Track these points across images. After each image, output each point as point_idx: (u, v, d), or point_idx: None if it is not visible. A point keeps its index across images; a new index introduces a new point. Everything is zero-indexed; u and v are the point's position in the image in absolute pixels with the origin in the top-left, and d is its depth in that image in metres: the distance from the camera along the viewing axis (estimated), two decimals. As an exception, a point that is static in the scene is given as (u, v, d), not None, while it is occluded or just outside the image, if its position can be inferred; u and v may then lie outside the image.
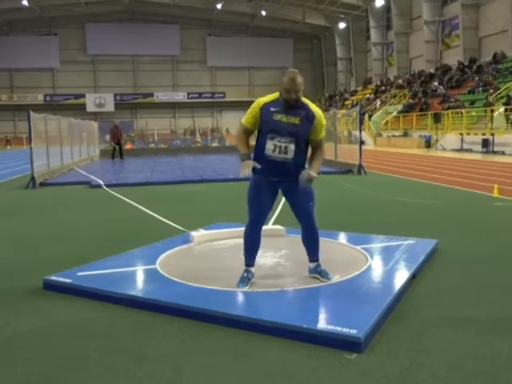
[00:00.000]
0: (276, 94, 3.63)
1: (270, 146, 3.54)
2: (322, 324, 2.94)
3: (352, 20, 44.64)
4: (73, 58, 48.44)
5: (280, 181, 3.66)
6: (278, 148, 3.52)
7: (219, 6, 43.78)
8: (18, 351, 2.86)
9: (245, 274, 3.72)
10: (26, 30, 46.83)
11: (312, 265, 3.87)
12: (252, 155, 3.67)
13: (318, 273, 3.81)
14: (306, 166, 3.69)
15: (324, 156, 3.77)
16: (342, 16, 44.41)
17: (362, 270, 4.00)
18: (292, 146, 3.53)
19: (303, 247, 3.90)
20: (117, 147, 21.41)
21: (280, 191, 3.76)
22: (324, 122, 3.68)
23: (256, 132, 3.68)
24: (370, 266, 4.11)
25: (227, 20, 48.07)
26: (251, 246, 3.76)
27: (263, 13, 44.66)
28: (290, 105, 3.51)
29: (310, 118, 3.57)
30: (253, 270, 3.77)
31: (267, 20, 46.53)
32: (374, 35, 42.94)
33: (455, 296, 3.62)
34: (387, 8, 40.11)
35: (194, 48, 50.81)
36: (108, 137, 31.56)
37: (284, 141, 3.52)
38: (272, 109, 3.53)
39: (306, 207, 3.72)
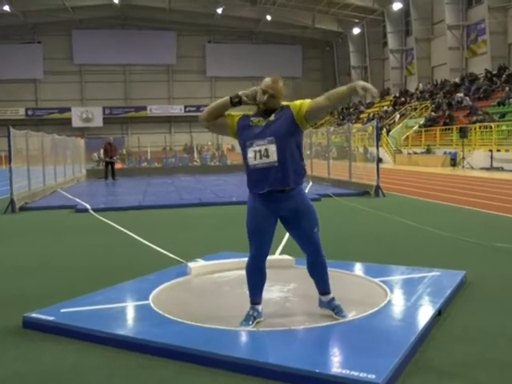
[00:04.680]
0: (253, 110, 3.72)
1: (250, 154, 3.59)
2: (337, 368, 2.92)
3: (367, 25, 45.20)
4: (58, 68, 49.09)
5: (278, 199, 3.61)
6: (258, 153, 3.56)
7: (220, 11, 44.43)
8: (-6, 399, 2.85)
9: (250, 312, 3.71)
10: (6, 37, 47.58)
11: (324, 298, 3.85)
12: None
13: (332, 308, 3.80)
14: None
15: (339, 88, 3.73)
16: (356, 20, 44.96)
17: (381, 306, 3.98)
18: (273, 147, 3.53)
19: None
20: (109, 166, 21.57)
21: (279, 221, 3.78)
22: (299, 101, 3.71)
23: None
24: (389, 302, 4.09)
25: (229, 26, 48.72)
26: (255, 281, 3.75)
27: (268, 17, 45.26)
28: (267, 110, 3.60)
29: (285, 110, 3.64)
30: (260, 308, 3.76)
31: (273, 25, 47.12)
32: (392, 41, 43.39)
33: (487, 335, 3.59)
34: (406, 12, 40.60)
35: (192, 56, 51.46)
36: (96, 155, 31.91)
37: (262, 143, 3.55)
38: (252, 118, 3.64)
39: (310, 236, 3.70)
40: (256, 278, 3.74)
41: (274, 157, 3.53)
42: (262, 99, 3.58)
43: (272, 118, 3.60)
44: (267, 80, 3.62)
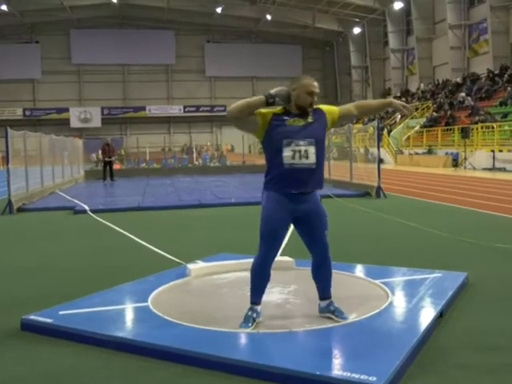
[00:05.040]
0: (279, 109, 3.68)
1: (287, 153, 3.55)
2: (337, 370, 2.92)
3: (368, 24, 45.24)
4: (56, 68, 49.13)
5: (299, 200, 3.62)
6: (297, 153, 3.55)
7: (219, 10, 44.46)
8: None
9: (249, 313, 3.71)
10: (4, 37, 47.63)
11: (323, 303, 3.86)
12: (267, 176, 3.68)
13: (332, 312, 3.80)
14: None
15: (371, 100, 3.96)
16: (357, 20, 45.01)
17: (382, 307, 3.98)
18: (312, 149, 3.57)
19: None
20: (107, 167, 21.60)
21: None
22: (328, 106, 3.82)
23: (263, 145, 3.70)
24: (391, 304, 4.09)
25: (228, 25, 48.77)
26: (260, 282, 3.74)
27: (268, 17, 45.31)
28: (304, 111, 3.61)
29: (319, 113, 3.69)
30: (259, 308, 3.76)
31: (273, 25, 47.17)
32: (393, 41, 43.44)
33: (489, 337, 3.60)
34: (407, 11, 40.65)
35: (191, 56, 51.50)
36: (94, 156, 31.95)
37: (302, 144, 3.56)
38: (285, 117, 3.62)
39: (321, 236, 3.73)
40: (261, 278, 3.73)
41: (313, 159, 3.57)
42: (307, 101, 3.58)
43: (310, 119, 3.62)
44: (310, 80, 3.62)
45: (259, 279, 3.73)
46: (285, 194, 3.61)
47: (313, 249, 3.78)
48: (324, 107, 3.76)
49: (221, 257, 5.84)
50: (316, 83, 3.63)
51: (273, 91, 3.59)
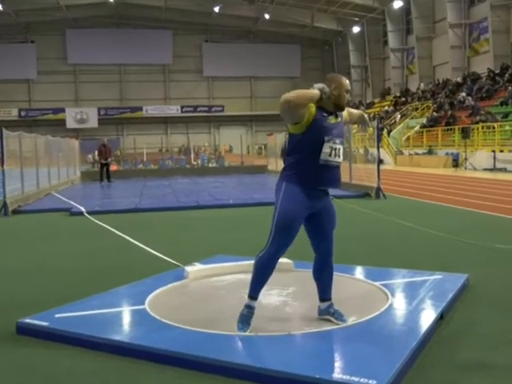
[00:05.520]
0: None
1: (327, 150, 3.60)
2: (337, 374, 2.92)
3: (367, 23, 45.29)
4: (51, 68, 49.09)
5: (319, 197, 3.68)
6: (333, 151, 3.63)
7: (217, 9, 44.49)
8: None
9: (245, 312, 3.68)
10: (-1, 37, 47.62)
11: (323, 305, 3.86)
12: (291, 169, 3.66)
13: (331, 314, 3.80)
14: None
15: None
16: (356, 19, 45.05)
17: (382, 310, 3.99)
18: (342, 148, 3.72)
19: (314, 284, 3.89)
20: (104, 168, 21.61)
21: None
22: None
23: (295, 138, 3.64)
24: (391, 306, 4.09)
25: (226, 24, 48.78)
26: (264, 278, 3.70)
27: (267, 16, 45.33)
28: (341, 109, 3.74)
29: (340, 113, 3.82)
30: (255, 303, 3.72)
31: (271, 24, 47.22)
32: (393, 40, 43.48)
33: (490, 339, 3.60)
34: (407, 10, 40.69)
35: (189, 56, 51.50)
36: (91, 156, 31.92)
37: (338, 142, 3.67)
38: (325, 114, 3.66)
39: (330, 234, 3.78)
40: (267, 274, 3.69)
41: (341, 158, 3.71)
42: (345, 100, 3.68)
43: (339, 118, 3.76)
44: (346, 79, 3.73)
45: (264, 276, 3.69)
46: (309, 189, 3.61)
47: (319, 247, 3.78)
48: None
49: (219, 259, 5.84)
50: (347, 80, 3.79)
51: (320, 86, 3.61)
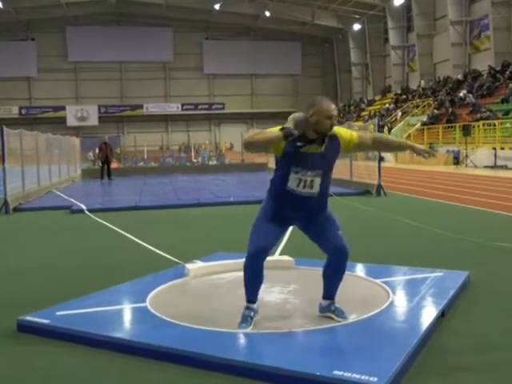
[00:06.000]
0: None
1: (293, 181, 3.56)
2: (338, 371, 2.91)
3: (368, 21, 45.22)
4: (52, 66, 49.05)
5: (300, 217, 3.70)
6: (302, 182, 3.55)
7: (217, 7, 44.42)
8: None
9: (246, 312, 3.71)
10: (-1, 34, 47.58)
11: (324, 302, 3.86)
12: (272, 183, 3.71)
13: (332, 311, 3.80)
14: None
15: (391, 138, 3.91)
16: (357, 16, 45.01)
17: (383, 307, 3.99)
18: (318, 180, 3.56)
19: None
20: (105, 166, 21.63)
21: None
22: (347, 131, 3.68)
23: (276, 156, 3.65)
24: (391, 303, 4.10)
25: (226, 22, 48.75)
26: (252, 280, 3.72)
27: (267, 13, 45.29)
28: (323, 136, 3.51)
29: (334, 141, 3.59)
30: (255, 306, 3.76)
31: (272, 21, 47.17)
32: (393, 38, 43.42)
33: (491, 337, 3.61)
34: (407, 7, 40.63)
35: (189, 53, 51.44)
36: (91, 154, 31.93)
37: (310, 175, 3.54)
38: (300, 143, 3.52)
39: (335, 238, 3.67)
40: (253, 276, 3.69)
41: (316, 189, 3.59)
42: (327, 125, 3.48)
43: (323, 148, 3.54)
44: (329, 104, 3.51)
45: (251, 278, 3.70)
46: (279, 210, 3.67)
47: (326, 253, 3.75)
48: (341, 132, 3.64)
49: (219, 256, 5.84)
50: (334, 106, 3.55)
51: (291, 124, 3.48)
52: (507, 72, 29.45)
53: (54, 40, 49.24)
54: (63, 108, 48.80)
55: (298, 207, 3.63)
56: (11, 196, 11.91)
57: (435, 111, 31.61)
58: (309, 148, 3.52)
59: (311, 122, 3.47)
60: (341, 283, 3.83)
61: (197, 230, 8.81)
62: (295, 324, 3.72)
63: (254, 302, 3.75)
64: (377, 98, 45.68)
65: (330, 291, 3.84)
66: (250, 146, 3.58)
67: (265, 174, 23.52)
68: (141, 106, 50.26)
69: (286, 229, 3.79)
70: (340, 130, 3.66)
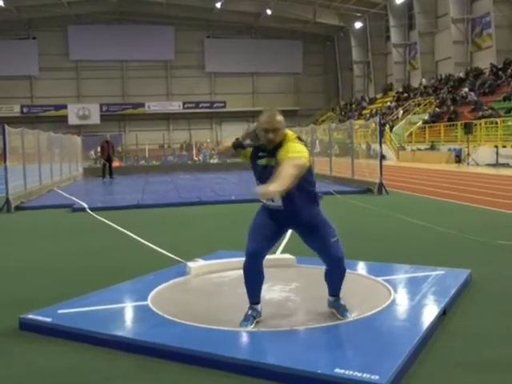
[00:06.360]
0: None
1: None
2: (339, 369, 2.92)
3: (369, 19, 45.14)
4: (53, 65, 49.02)
5: (287, 225, 3.76)
6: None
7: (219, 5, 44.36)
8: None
9: (249, 312, 3.72)
10: (1, 33, 47.48)
11: (331, 298, 3.89)
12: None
13: (337, 308, 3.82)
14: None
15: (289, 171, 3.29)
16: (358, 14, 44.92)
17: (385, 305, 3.99)
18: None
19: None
20: (107, 164, 21.64)
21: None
22: (288, 150, 3.43)
23: None
24: (393, 301, 4.10)
25: (228, 20, 48.68)
26: (252, 280, 3.73)
27: (268, 12, 45.21)
28: (273, 148, 3.53)
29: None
30: (259, 307, 3.77)
31: (273, 20, 47.08)
32: (395, 35, 43.35)
33: (492, 335, 3.60)
34: (409, 5, 40.56)
35: (191, 52, 51.38)
36: (93, 153, 31.94)
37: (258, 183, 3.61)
38: (260, 154, 3.62)
39: (327, 247, 3.67)
40: (252, 277, 3.71)
41: (278, 201, 3.56)
42: (267, 138, 3.50)
43: (273, 161, 3.52)
44: (266, 116, 3.52)
45: (251, 279, 3.72)
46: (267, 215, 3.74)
47: (324, 260, 3.76)
48: (285, 147, 3.46)
49: (221, 254, 5.84)
50: (274, 118, 3.49)
51: (244, 134, 3.62)
52: (509, 70, 29.38)
53: (55, 39, 49.20)
54: (65, 106, 48.77)
55: (276, 218, 3.67)
56: (13, 195, 11.93)
57: (437, 109, 31.56)
58: (263, 160, 3.59)
59: (258, 134, 3.57)
60: (344, 281, 3.83)
61: (198, 228, 8.81)
62: (297, 322, 3.72)
63: (257, 304, 3.76)
64: (378, 96, 45.62)
65: (333, 289, 3.86)
66: (219, 153, 3.74)
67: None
68: (142, 105, 50.22)
69: (282, 230, 3.79)
70: (287, 145, 3.48)
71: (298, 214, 3.62)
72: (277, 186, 3.20)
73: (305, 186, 3.59)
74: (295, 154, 3.40)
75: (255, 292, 3.76)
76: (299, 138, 3.61)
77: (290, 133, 3.62)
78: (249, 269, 3.70)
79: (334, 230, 3.71)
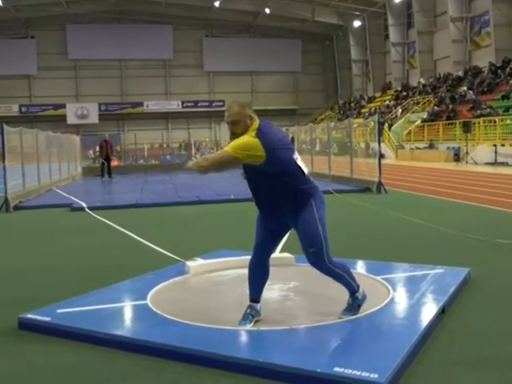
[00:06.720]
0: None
1: None
2: (339, 368, 2.92)
3: (368, 17, 45.14)
4: (52, 64, 48.97)
5: (274, 216, 3.74)
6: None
7: (217, 4, 44.34)
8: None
9: (248, 311, 3.72)
10: (-1, 32, 47.51)
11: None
12: None
13: (347, 302, 3.80)
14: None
15: (212, 155, 3.65)
16: (357, 13, 44.90)
17: (384, 304, 3.99)
18: (246, 184, 3.68)
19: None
20: (105, 164, 21.62)
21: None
22: (234, 141, 3.50)
23: None
24: (392, 300, 4.10)
25: (226, 19, 48.64)
26: (254, 277, 3.75)
27: (267, 10, 45.19)
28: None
29: None
30: (258, 306, 3.77)
31: (272, 18, 47.04)
32: (394, 34, 43.35)
33: (491, 334, 3.61)
34: (408, 4, 40.55)
35: (189, 51, 51.36)
36: (92, 152, 31.91)
37: (242, 175, 3.72)
38: None
39: (306, 254, 3.64)
40: (254, 273, 3.74)
41: (252, 191, 3.69)
42: (230, 131, 3.61)
43: None
44: (228, 109, 3.60)
45: (253, 275, 3.75)
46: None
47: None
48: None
49: (220, 254, 5.85)
50: (231, 111, 3.52)
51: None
52: (508, 68, 29.39)
53: (53, 38, 49.14)
54: (63, 106, 48.73)
55: (264, 214, 3.71)
56: (11, 194, 11.92)
57: (435, 108, 31.57)
58: None
59: None
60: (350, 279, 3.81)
61: (197, 227, 8.81)
62: (296, 321, 3.72)
63: (256, 302, 3.76)
64: (377, 94, 45.61)
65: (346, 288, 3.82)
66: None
67: (265, 171, 23.53)
68: (141, 104, 50.19)
69: (278, 226, 3.73)
70: (241, 137, 3.48)
71: (275, 210, 3.63)
72: (194, 164, 3.52)
73: (274, 178, 3.50)
74: (231, 144, 3.47)
75: (256, 289, 3.76)
76: (262, 130, 3.46)
77: (253, 126, 3.50)
78: (251, 264, 3.75)
79: (315, 237, 3.54)
